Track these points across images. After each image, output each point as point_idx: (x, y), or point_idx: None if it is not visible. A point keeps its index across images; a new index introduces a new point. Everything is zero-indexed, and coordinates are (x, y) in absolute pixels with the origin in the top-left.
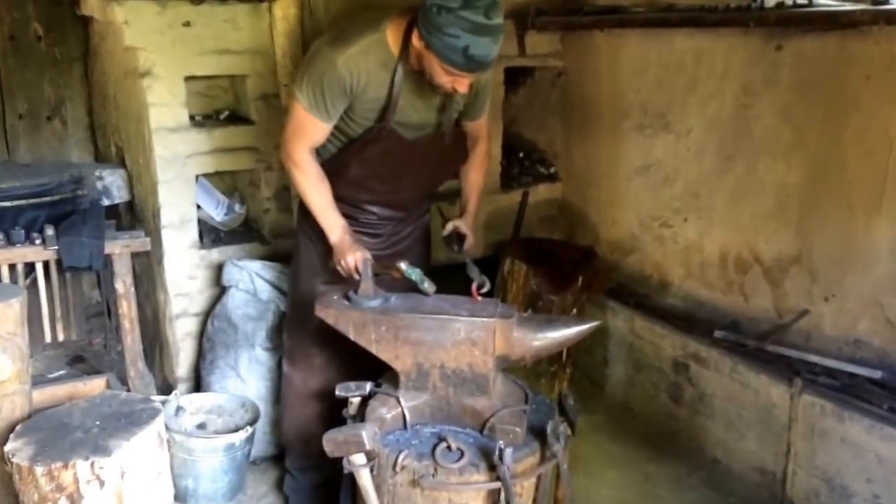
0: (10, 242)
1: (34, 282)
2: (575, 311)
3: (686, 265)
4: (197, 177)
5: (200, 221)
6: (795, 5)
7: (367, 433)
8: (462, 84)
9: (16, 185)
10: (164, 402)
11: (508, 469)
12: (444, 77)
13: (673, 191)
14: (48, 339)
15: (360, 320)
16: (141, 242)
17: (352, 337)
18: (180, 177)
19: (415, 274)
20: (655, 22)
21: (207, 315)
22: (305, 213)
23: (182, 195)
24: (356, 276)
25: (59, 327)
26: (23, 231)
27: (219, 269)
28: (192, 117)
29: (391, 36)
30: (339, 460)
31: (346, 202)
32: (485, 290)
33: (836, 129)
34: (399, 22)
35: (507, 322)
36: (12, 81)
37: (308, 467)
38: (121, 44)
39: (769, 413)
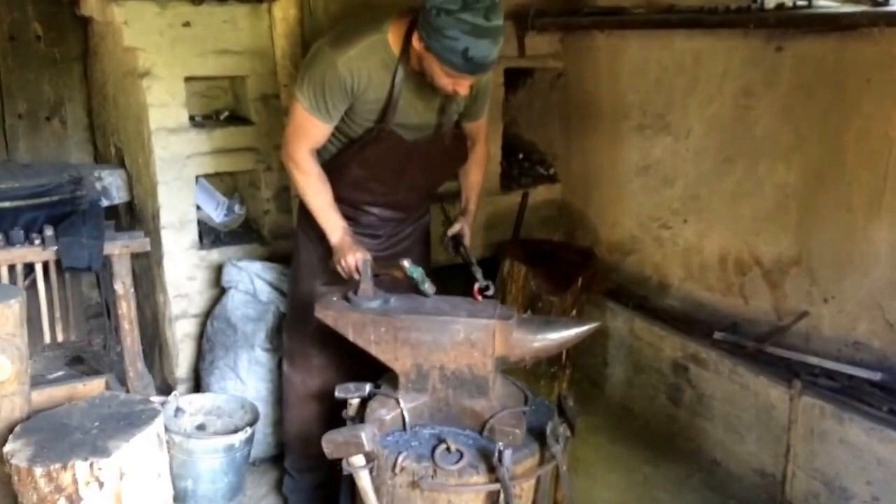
0: (9, 243)
1: (33, 282)
2: (574, 312)
3: (686, 266)
4: (196, 177)
5: (200, 222)
6: (795, 7)
7: (366, 434)
8: (463, 86)
9: (15, 186)
10: (163, 403)
11: (508, 470)
12: (444, 79)
13: (672, 192)
14: (47, 339)
15: (359, 321)
16: (140, 243)
17: (351, 338)
18: (180, 177)
19: (417, 273)
20: (655, 23)
21: (207, 316)
22: (305, 214)
23: (181, 196)
24: (356, 277)
25: (59, 328)
26: (22, 232)
27: (218, 270)
28: (191, 118)
29: (392, 37)
30: (338, 461)
31: (345, 203)
32: (489, 293)
33: (835, 131)
34: (400, 23)
35: (507, 323)
36: (12, 82)
37: (307, 468)
38: (120, 44)
39: (769, 415)
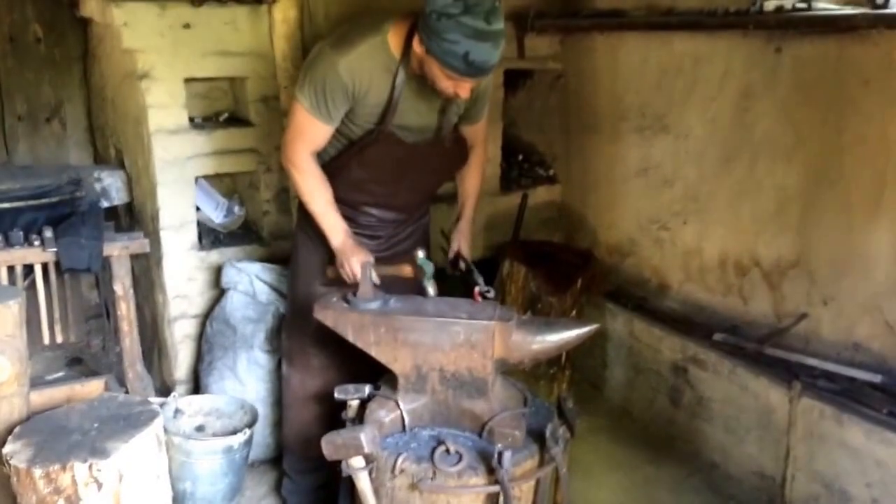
0: (8, 244)
1: (33, 283)
2: (574, 313)
3: (685, 268)
4: (196, 178)
5: (199, 223)
6: (794, 9)
7: (365, 436)
8: (464, 89)
9: (14, 187)
10: (162, 405)
11: (507, 472)
12: (445, 82)
13: (672, 193)
14: (46, 340)
15: (358, 322)
16: (140, 244)
17: (351, 339)
18: (179, 179)
19: (427, 267)
20: (655, 25)
21: (206, 317)
22: (305, 215)
23: (181, 197)
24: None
25: (58, 329)
26: (21, 233)
27: (218, 271)
28: (191, 119)
29: (393, 39)
30: (337, 463)
31: (345, 204)
32: (489, 295)
33: (835, 132)
34: (401, 25)
35: (507, 325)
36: (11, 83)
37: (306, 470)
38: (119, 46)
39: (768, 417)
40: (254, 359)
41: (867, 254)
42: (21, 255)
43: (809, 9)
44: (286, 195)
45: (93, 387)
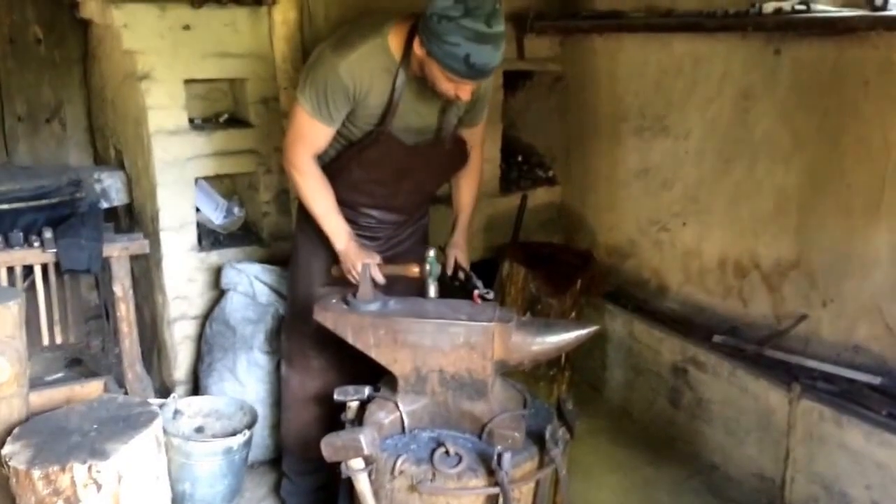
0: (8, 245)
1: (32, 284)
2: (574, 314)
3: (684, 270)
4: (196, 180)
5: (199, 224)
6: (793, 11)
7: (365, 438)
8: (465, 91)
9: (14, 188)
10: (161, 406)
11: (507, 474)
12: (446, 84)
13: (671, 195)
14: (46, 341)
15: (358, 324)
16: (139, 245)
17: (350, 341)
18: (179, 180)
19: (435, 268)
20: (654, 27)
21: (206, 318)
22: (304, 216)
23: (181, 198)
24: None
25: (57, 330)
26: (21, 234)
27: (217, 272)
28: (191, 120)
29: (393, 41)
30: (336, 464)
31: (344, 205)
32: (489, 297)
33: (834, 134)
34: (401, 27)
35: (506, 326)
36: (11, 84)
37: (305, 471)
38: (119, 47)
39: (768, 418)
40: (253, 360)
41: (867, 255)
42: (21, 256)
43: (808, 11)
44: (286, 196)
45: (92, 388)
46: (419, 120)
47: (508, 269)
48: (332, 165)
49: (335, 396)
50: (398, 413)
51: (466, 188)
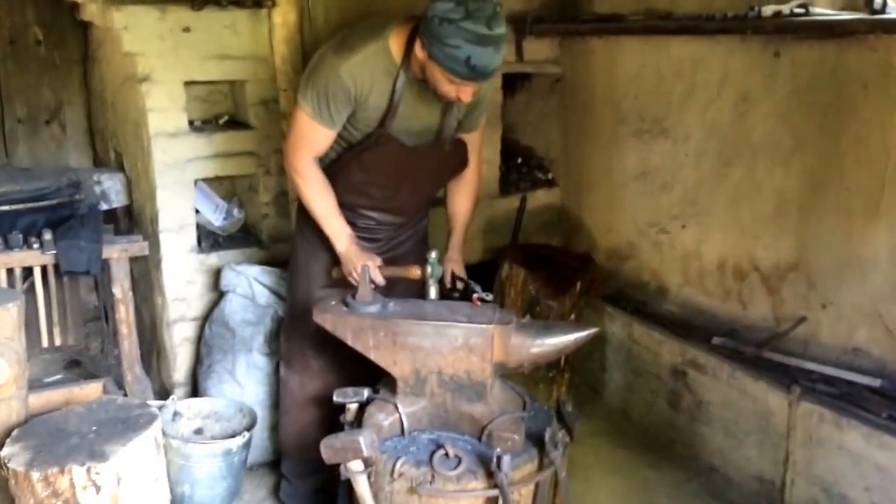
0: (7, 247)
1: (31, 286)
2: (573, 316)
3: (684, 272)
4: (196, 181)
5: (199, 226)
6: (792, 14)
7: (364, 440)
8: (466, 92)
9: (14, 190)
10: (160, 408)
11: (506, 476)
12: (447, 86)
13: (671, 197)
14: (45, 343)
15: (357, 326)
16: (139, 247)
17: (350, 342)
18: (179, 181)
19: (436, 270)
20: (653, 30)
21: (205, 320)
22: (304, 217)
23: (180, 200)
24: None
25: (57, 332)
26: (21, 235)
27: (217, 274)
28: (191, 122)
29: (394, 43)
30: (335, 466)
31: (344, 207)
32: (488, 299)
33: (834, 137)
34: (402, 29)
35: (505, 328)
36: (11, 85)
37: (304, 473)
38: (120, 49)
39: (767, 421)
40: (252, 362)
41: (866, 258)
42: (20, 258)
43: (807, 14)
44: (285, 198)
45: (91, 389)
46: (419, 122)
47: (508, 270)
48: (333, 167)
49: (334, 398)
50: (397, 415)
51: (462, 199)
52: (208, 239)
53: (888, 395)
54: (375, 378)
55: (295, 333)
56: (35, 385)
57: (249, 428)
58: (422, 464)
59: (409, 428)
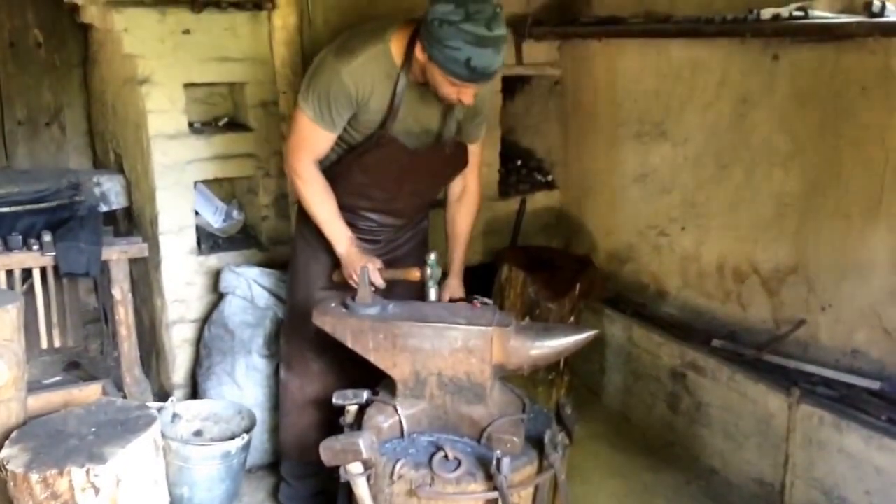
0: (7, 248)
1: (31, 288)
2: (572, 319)
3: (683, 274)
4: (195, 183)
5: (198, 228)
6: (791, 17)
7: (364, 442)
8: (467, 95)
9: (14, 191)
10: (160, 410)
11: (506, 479)
12: (448, 88)
13: (670, 199)
14: (44, 345)
15: (357, 328)
16: (138, 248)
17: (349, 345)
18: (179, 183)
19: (435, 271)
20: (653, 33)
21: (204, 322)
22: (304, 219)
23: (180, 201)
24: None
25: (56, 333)
26: (20, 237)
27: (216, 276)
28: (190, 124)
29: (395, 46)
30: (335, 469)
31: (345, 209)
32: (488, 302)
33: (833, 139)
34: (403, 32)
35: (505, 330)
36: (11, 87)
37: (304, 475)
38: (120, 51)
39: (767, 423)
40: (252, 364)
41: (865, 260)
42: (19, 260)
43: (806, 17)
44: (285, 200)
45: (90, 391)
46: (419, 125)
47: (507, 273)
48: (333, 169)
49: (334, 400)
50: (397, 417)
51: (462, 220)
52: (208, 241)
53: (888, 398)
54: (375, 380)
55: (295, 335)
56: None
57: (248, 430)
58: (421, 466)
59: (409, 430)
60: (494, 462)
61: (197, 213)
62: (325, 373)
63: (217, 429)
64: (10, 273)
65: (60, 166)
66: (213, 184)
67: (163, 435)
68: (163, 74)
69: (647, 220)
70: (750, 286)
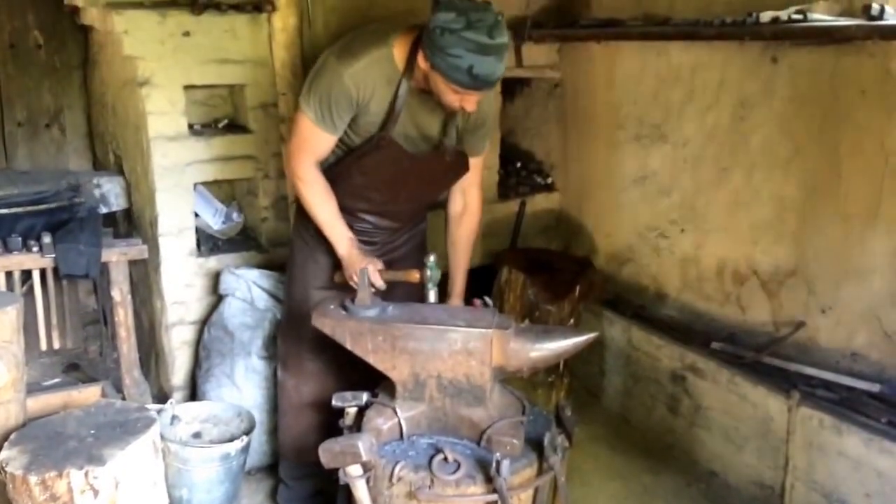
0: (7, 250)
1: (31, 289)
2: (572, 321)
3: (683, 276)
4: (195, 185)
5: (198, 230)
6: (790, 20)
7: (363, 444)
8: (470, 102)
9: (13, 193)
10: (159, 411)
11: (505, 481)
12: (451, 96)
13: (670, 202)
14: (44, 346)
15: (357, 330)
16: (138, 250)
17: (349, 347)
18: (178, 185)
19: (435, 273)
20: (652, 35)
21: (204, 323)
22: (302, 219)
23: (180, 203)
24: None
25: (55, 335)
26: (20, 238)
27: (216, 278)
28: (190, 126)
29: (397, 51)
30: (334, 470)
31: (342, 210)
32: (487, 303)
33: (832, 142)
34: (406, 38)
35: (505, 333)
36: (12, 89)
37: (302, 476)
38: (120, 53)
39: (767, 426)
40: (251, 365)
41: (865, 262)
42: (19, 261)
43: (805, 20)
44: (284, 202)
45: (89, 393)
46: (418, 130)
47: (507, 275)
48: (332, 171)
49: (333, 402)
50: (396, 419)
51: (463, 244)
52: (207, 242)
53: (887, 401)
54: (372, 380)
55: (291, 335)
56: (33, 388)
57: (248, 432)
58: (421, 468)
59: (408, 432)
60: (494, 464)
61: (196, 214)
62: (321, 373)
63: (216, 431)
64: (9, 274)
65: (60, 168)
66: (213, 186)
67: (162, 437)
68: (163, 76)
69: (647, 223)
70: (749, 288)
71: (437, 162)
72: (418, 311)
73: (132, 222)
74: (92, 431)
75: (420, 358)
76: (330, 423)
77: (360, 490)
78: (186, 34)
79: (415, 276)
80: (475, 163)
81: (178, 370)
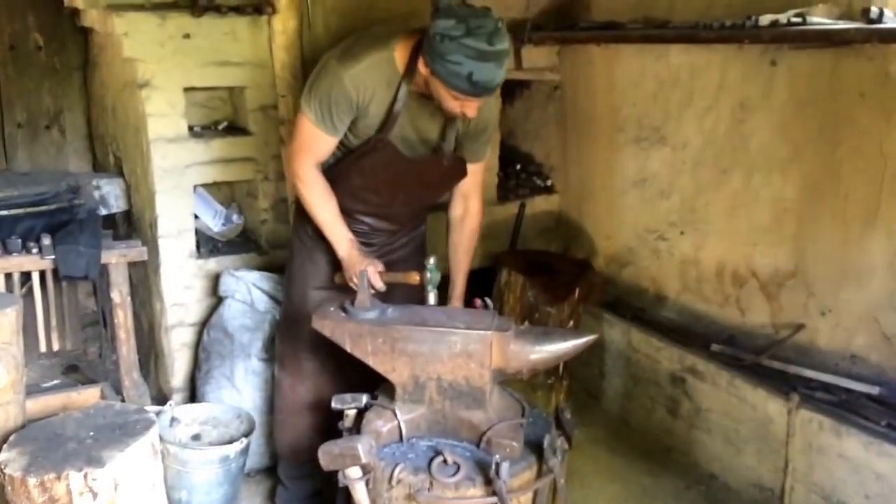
0: (6, 251)
1: (30, 291)
2: (571, 323)
3: (682, 278)
4: (195, 187)
5: (197, 231)
6: (789, 23)
7: (362, 446)
8: (471, 108)
9: (13, 194)
10: (158, 413)
11: (505, 483)
12: (451, 102)
13: (669, 204)
14: (43, 348)
15: (356, 332)
16: (138, 252)
17: (348, 349)
18: (178, 187)
19: (435, 275)
20: (651, 38)
21: (204, 325)
22: (301, 219)
23: (179, 205)
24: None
25: (55, 336)
26: (19, 240)
27: (215, 280)
28: (190, 128)
29: (398, 55)
30: (333, 472)
31: (341, 212)
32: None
33: (831, 145)
34: (407, 42)
35: (504, 335)
36: (12, 90)
37: (299, 476)
38: (120, 55)
39: (766, 428)
40: (251, 367)
41: (863, 265)
42: (19, 263)
43: (804, 23)
44: (284, 204)
45: (89, 395)
46: (417, 134)
47: (506, 277)
48: (331, 172)
49: (332, 404)
50: (396, 421)
51: (464, 250)
52: (207, 244)
53: (887, 403)
54: (369, 381)
55: (289, 335)
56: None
57: (247, 434)
58: (420, 471)
59: (408, 434)
60: (493, 467)
61: (196, 216)
62: (318, 373)
63: (216, 433)
64: (9, 276)
65: (60, 169)
66: (213, 187)
67: (161, 439)
68: (163, 78)
69: (647, 225)
70: (749, 290)
71: (434, 166)
72: (418, 314)
73: (132, 224)
74: (91, 433)
75: (420, 360)
76: (326, 423)
77: (360, 492)
78: (186, 36)
79: (415, 278)
80: (477, 169)
81: (178, 372)
